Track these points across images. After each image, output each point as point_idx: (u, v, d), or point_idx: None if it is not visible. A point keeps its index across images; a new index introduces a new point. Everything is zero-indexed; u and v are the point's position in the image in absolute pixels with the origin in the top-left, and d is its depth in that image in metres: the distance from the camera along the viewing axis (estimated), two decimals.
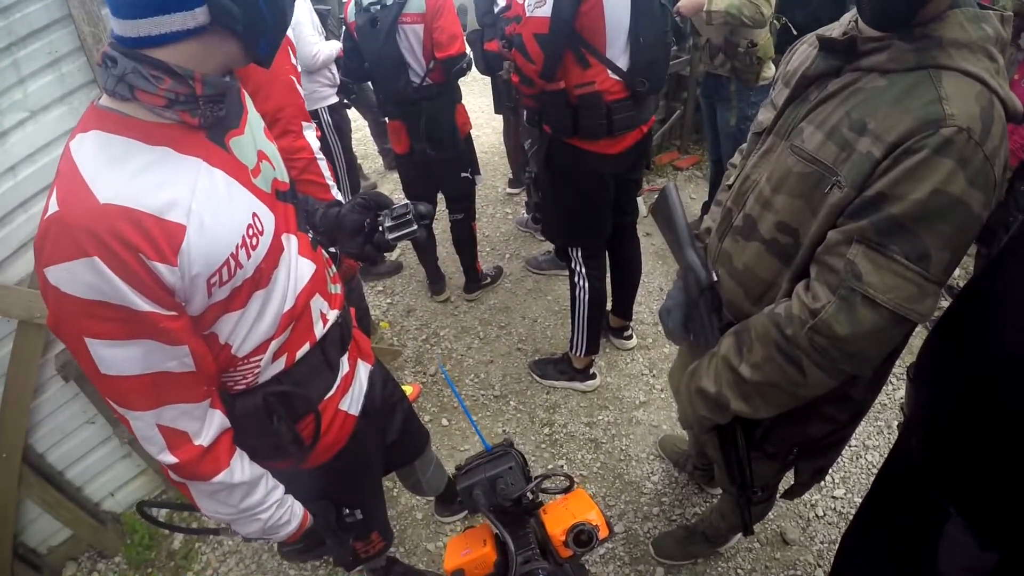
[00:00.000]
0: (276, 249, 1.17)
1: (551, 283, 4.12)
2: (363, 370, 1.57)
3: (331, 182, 2.27)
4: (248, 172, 1.14)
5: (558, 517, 0.93)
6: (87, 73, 2.13)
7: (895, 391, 3.09)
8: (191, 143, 1.04)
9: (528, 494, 0.97)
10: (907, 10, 1.10)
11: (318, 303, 1.32)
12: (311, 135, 2.18)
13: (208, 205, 1.03)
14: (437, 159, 3.38)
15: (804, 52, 1.41)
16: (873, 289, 1.11)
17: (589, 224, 2.84)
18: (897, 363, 1.43)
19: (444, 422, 3.12)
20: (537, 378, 3.30)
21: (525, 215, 4.77)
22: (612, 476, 2.79)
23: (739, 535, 2.41)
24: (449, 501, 2.60)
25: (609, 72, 2.43)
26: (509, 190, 5.28)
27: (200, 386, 1.10)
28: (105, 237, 0.91)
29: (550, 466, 2.85)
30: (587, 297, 2.95)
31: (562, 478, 1.04)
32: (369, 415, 1.55)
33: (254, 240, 1.10)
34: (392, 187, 5.52)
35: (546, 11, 2.25)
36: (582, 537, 0.85)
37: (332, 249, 1.55)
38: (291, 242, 1.24)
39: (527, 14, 2.31)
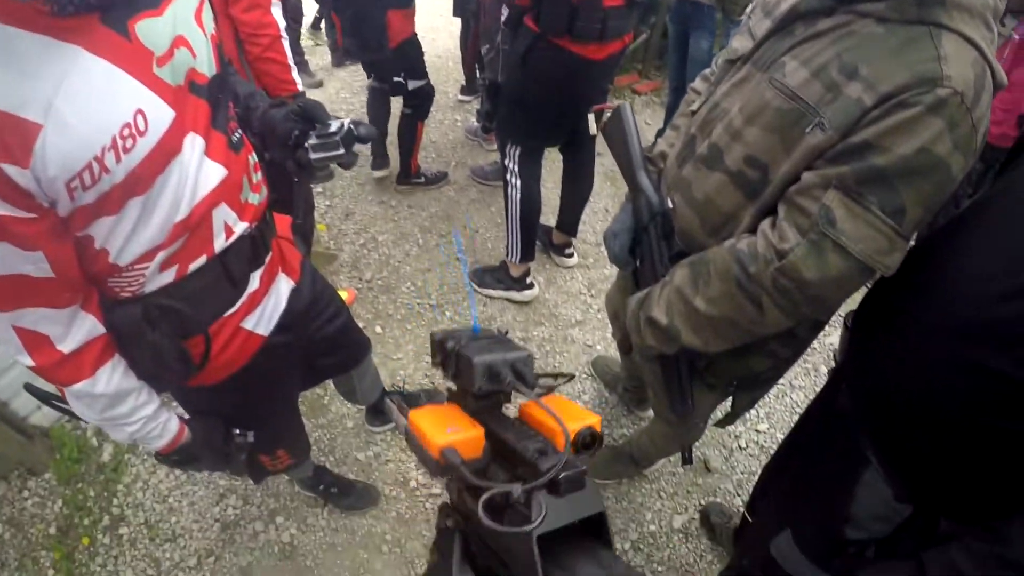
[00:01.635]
0: (164, 152, 1.03)
1: (496, 194, 4.03)
2: (284, 286, 1.47)
3: (292, 63, 2.20)
4: (151, 60, 0.99)
5: (561, 413, 0.80)
6: None
7: (824, 336, 3.17)
8: (75, 28, 0.90)
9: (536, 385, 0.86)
10: None
11: (223, 213, 1.19)
12: (278, 12, 2.11)
13: (75, 101, 0.90)
14: (369, 60, 3.36)
15: None
16: (846, 237, 1.11)
17: (545, 124, 2.85)
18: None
19: (378, 329, 3.07)
20: (475, 286, 3.28)
21: (475, 123, 4.66)
22: None
23: (663, 460, 2.47)
24: (381, 411, 2.57)
25: None
26: (461, 97, 5.13)
27: (63, 292, 1.02)
28: None
29: None
30: (519, 197, 2.97)
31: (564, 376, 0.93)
32: (287, 333, 1.46)
33: (128, 142, 0.96)
34: (339, 86, 5.28)
35: None
36: (587, 440, 0.74)
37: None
38: (195, 143, 1.10)
39: None
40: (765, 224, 1.23)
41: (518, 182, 2.93)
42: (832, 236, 1.11)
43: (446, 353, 0.82)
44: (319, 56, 5.86)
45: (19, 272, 0.94)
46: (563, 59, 2.58)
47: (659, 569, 2.30)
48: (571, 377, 0.82)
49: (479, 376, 0.75)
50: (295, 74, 2.23)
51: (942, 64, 1.04)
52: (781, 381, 2.89)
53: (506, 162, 2.93)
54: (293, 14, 4.95)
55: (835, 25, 1.17)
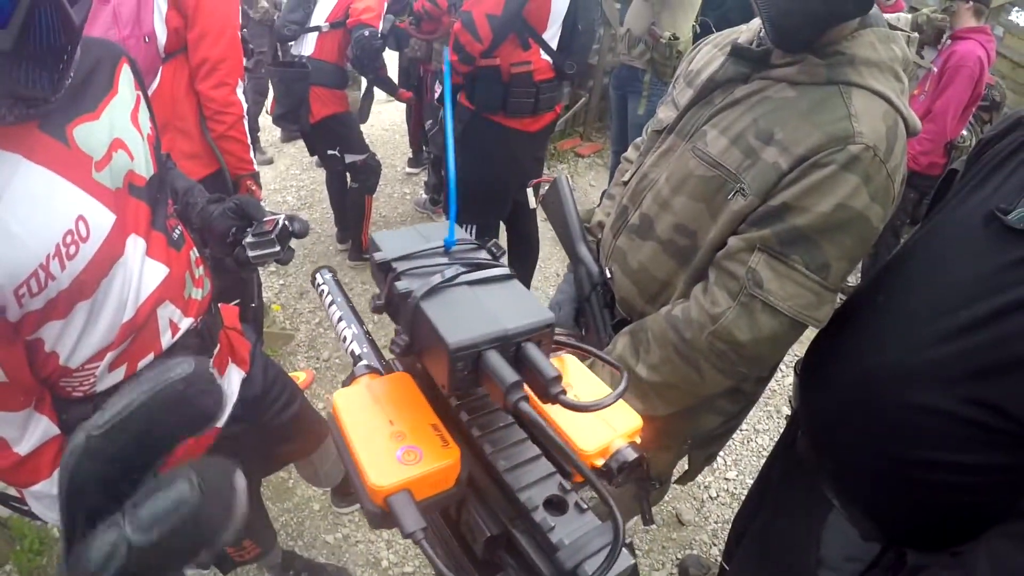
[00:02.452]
0: (106, 257, 1.05)
1: None
2: (234, 377, 1.47)
3: (250, 142, 2.27)
4: (90, 165, 1.02)
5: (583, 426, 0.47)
6: None
7: (784, 378, 3.22)
8: (14, 137, 0.93)
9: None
10: (807, 37, 1.13)
11: (167, 311, 1.20)
12: (241, 93, 2.18)
13: (18, 210, 0.92)
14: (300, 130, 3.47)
15: (708, 53, 1.41)
16: (774, 296, 1.13)
17: (493, 201, 2.88)
18: (790, 352, 1.46)
19: None
20: None
21: (424, 195, 4.69)
22: None
23: (636, 518, 2.45)
24: (346, 492, 2.52)
25: (542, 53, 2.52)
26: (409, 169, 5.18)
27: (16, 396, 1.03)
28: None
29: None
30: None
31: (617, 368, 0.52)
32: (240, 423, 1.45)
33: (72, 249, 0.98)
34: (288, 162, 5.31)
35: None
36: (620, 464, 0.46)
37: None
38: (137, 245, 1.12)
39: None
40: (697, 290, 1.25)
41: None
42: (761, 297, 1.14)
43: (393, 292, 0.47)
44: (269, 132, 5.90)
45: None
46: (499, 134, 2.64)
47: None
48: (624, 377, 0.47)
49: (454, 368, 0.42)
50: (252, 154, 2.30)
51: (853, 121, 1.08)
52: (745, 426, 2.94)
53: None
54: (259, 88, 4.99)
55: (751, 92, 1.21)
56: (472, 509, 0.44)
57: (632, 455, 0.45)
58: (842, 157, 1.07)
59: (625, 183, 1.51)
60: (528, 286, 3.33)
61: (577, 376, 0.52)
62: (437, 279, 0.45)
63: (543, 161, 3.05)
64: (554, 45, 2.55)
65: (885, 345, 1.14)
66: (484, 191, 2.81)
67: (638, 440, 0.48)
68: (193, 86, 2.10)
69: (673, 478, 1.92)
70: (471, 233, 2.91)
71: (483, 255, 0.52)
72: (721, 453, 2.84)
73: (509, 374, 0.40)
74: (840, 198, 1.08)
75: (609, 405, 0.42)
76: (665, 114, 1.43)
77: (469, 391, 0.48)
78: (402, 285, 0.46)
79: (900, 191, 1.15)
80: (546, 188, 1.62)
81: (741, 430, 2.95)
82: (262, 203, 2.38)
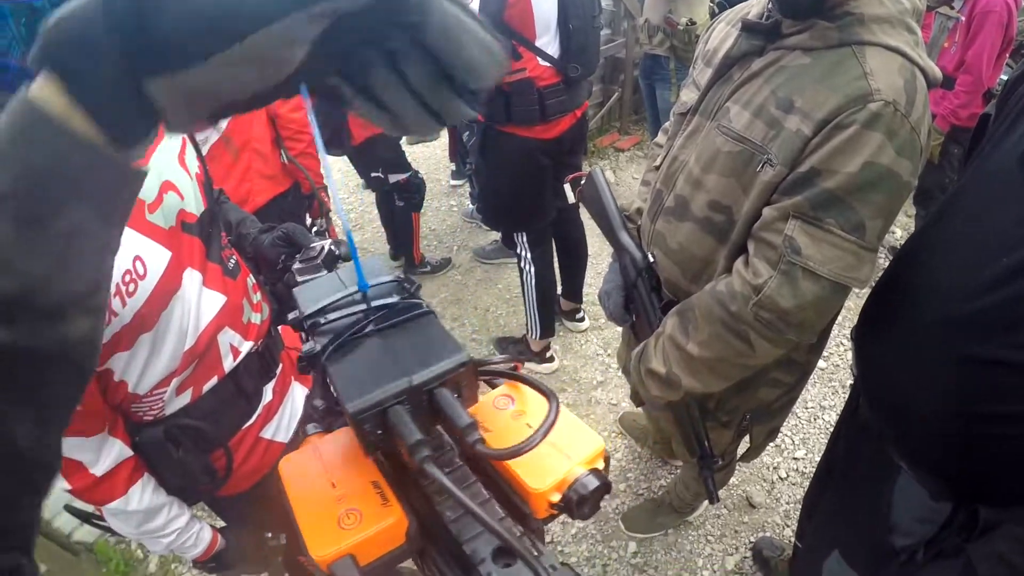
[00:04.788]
0: (164, 291, 1.12)
1: (500, 272, 4.11)
2: (298, 393, 1.53)
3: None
4: (143, 208, 1.09)
5: (535, 460, 0.43)
6: None
7: (846, 352, 3.17)
8: None
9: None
10: (812, 3, 1.15)
11: (227, 336, 1.27)
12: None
13: None
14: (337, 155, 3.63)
15: (722, 31, 1.43)
16: (813, 262, 1.15)
17: (530, 210, 2.87)
18: (848, 324, 1.45)
19: None
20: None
21: (470, 206, 4.74)
22: None
23: (706, 503, 2.46)
24: None
25: (540, 60, 2.47)
26: (453, 182, 5.24)
27: (91, 422, 1.10)
28: None
29: None
30: (534, 281, 2.99)
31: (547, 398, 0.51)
32: None
33: (131, 287, 1.05)
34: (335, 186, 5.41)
35: (473, 8, 2.25)
36: (580, 496, 0.43)
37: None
38: (193, 277, 1.19)
39: None
40: (739, 263, 1.27)
41: (531, 267, 2.95)
42: (800, 263, 1.15)
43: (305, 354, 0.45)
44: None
45: None
46: (514, 145, 2.62)
47: None
48: (556, 401, 0.47)
49: (361, 431, 0.40)
50: (324, 168, 2.48)
51: (869, 80, 1.09)
52: (811, 404, 2.90)
53: (519, 250, 2.95)
54: None
55: (767, 63, 1.24)
56: (432, 561, 0.43)
57: (594, 483, 0.42)
58: (863, 116, 1.08)
59: (657, 168, 1.53)
60: (581, 286, 3.33)
61: (536, 403, 0.49)
62: (346, 333, 0.44)
63: (578, 166, 3.00)
64: (552, 50, 2.49)
65: (932, 301, 1.14)
66: (515, 201, 2.82)
67: (601, 464, 0.44)
68: (269, 111, 2.29)
69: (737, 457, 1.92)
70: (523, 242, 2.94)
71: (399, 294, 0.49)
72: (788, 432, 2.81)
73: (411, 432, 0.38)
74: (866, 156, 1.09)
75: (532, 448, 0.39)
76: (688, 96, 1.46)
77: (387, 446, 0.44)
78: (307, 347, 0.45)
79: (927, 143, 1.15)
80: (583, 183, 1.65)
81: (807, 407, 2.91)
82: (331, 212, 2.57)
